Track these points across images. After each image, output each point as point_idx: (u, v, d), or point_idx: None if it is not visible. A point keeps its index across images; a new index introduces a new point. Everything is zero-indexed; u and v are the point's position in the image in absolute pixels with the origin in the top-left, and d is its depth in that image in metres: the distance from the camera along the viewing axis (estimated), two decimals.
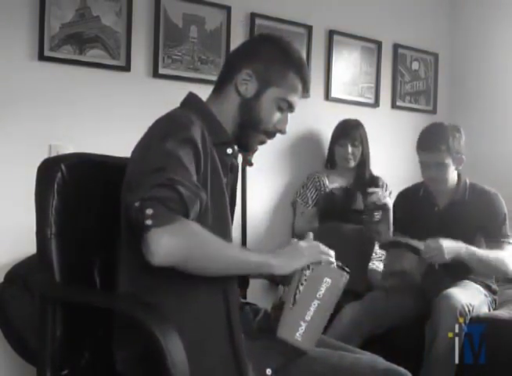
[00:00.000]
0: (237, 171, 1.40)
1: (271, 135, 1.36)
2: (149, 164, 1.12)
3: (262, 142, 1.37)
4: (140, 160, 1.16)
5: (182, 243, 1.07)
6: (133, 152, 1.24)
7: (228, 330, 1.18)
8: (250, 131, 1.34)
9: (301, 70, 1.34)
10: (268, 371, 1.20)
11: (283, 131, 1.36)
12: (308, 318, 1.19)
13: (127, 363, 1.22)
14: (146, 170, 1.10)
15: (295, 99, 1.34)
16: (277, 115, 1.34)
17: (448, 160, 2.26)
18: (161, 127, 1.21)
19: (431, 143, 2.25)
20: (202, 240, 1.11)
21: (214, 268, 1.14)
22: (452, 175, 2.32)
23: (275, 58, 1.32)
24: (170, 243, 1.05)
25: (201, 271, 1.13)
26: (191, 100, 1.35)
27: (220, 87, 1.34)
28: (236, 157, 1.36)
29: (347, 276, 1.21)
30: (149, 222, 1.03)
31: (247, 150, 1.38)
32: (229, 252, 1.16)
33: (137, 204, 1.05)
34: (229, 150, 1.31)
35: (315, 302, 1.19)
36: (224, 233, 1.21)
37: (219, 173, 1.25)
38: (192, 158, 1.15)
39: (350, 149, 2.80)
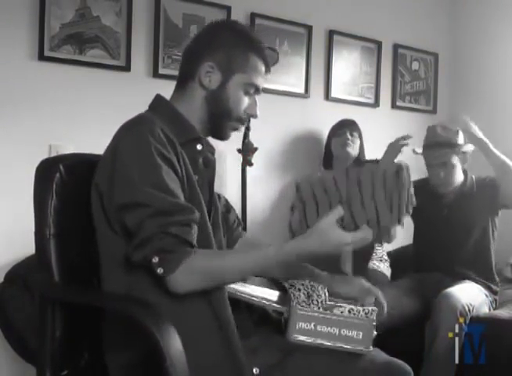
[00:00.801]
0: (213, 165, 1.37)
1: (243, 121, 1.36)
2: (135, 196, 1.14)
3: (236, 129, 1.37)
4: (124, 187, 1.16)
5: (195, 280, 1.14)
6: (105, 159, 1.23)
7: (220, 328, 1.18)
8: (222, 121, 1.33)
9: (261, 51, 1.33)
10: (256, 370, 1.20)
11: (254, 116, 1.35)
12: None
13: (121, 368, 1.21)
14: (136, 202, 1.13)
15: (260, 81, 1.33)
16: (245, 100, 1.33)
17: (455, 160, 2.27)
18: (129, 144, 1.19)
19: (437, 144, 2.26)
20: (212, 269, 1.16)
21: (237, 279, 1.24)
22: (459, 174, 2.33)
23: (235, 44, 1.31)
24: (185, 285, 1.13)
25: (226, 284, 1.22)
26: (157, 103, 1.35)
27: (182, 84, 1.33)
28: (211, 152, 1.36)
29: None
30: (159, 270, 1.11)
31: (223, 139, 1.37)
32: (244, 266, 1.19)
33: (138, 257, 1.13)
34: (199, 146, 1.31)
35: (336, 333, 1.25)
36: (205, 236, 1.22)
37: (190, 174, 1.25)
38: (171, 173, 1.18)
39: (349, 137, 2.79)
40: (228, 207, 1.52)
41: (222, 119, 1.33)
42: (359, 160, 2.84)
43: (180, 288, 1.13)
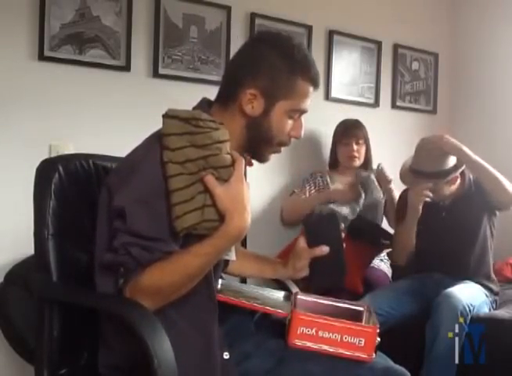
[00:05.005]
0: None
1: (286, 144, 1.30)
2: (127, 206, 1.11)
3: (276, 152, 1.31)
4: (125, 194, 1.13)
5: (144, 300, 1.11)
6: (124, 168, 1.21)
7: (204, 343, 1.17)
8: (262, 148, 1.27)
9: (308, 72, 1.23)
10: (225, 355, 1.20)
11: (298, 137, 1.29)
12: None
13: (110, 367, 1.21)
14: (124, 212, 1.11)
15: (307, 103, 1.26)
16: (289, 124, 1.25)
17: (442, 184, 2.26)
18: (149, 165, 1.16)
19: (424, 175, 2.24)
20: (157, 287, 1.12)
21: (187, 287, 1.14)
22: (451, 187, 2.32)
23: (280, 68, 1.20)
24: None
25: (178, 296, 1.14)
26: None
27: (224, 103, 1.25)
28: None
29: None
30: (120, 281, 1.14)
31: (262, 161, 1.31)
32: (188, 270, 1.13)
33: (106, 259, 1.14)
34: None
35: None
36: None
37: None
38: None
39: (355, 147, 2.78)
40: None
41: (263, 146, 1.27)
42: (366, 165, 2.84)
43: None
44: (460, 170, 2.26)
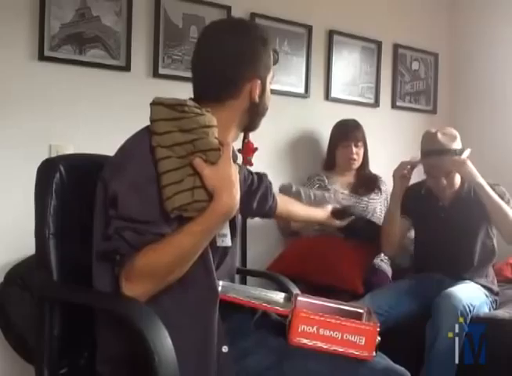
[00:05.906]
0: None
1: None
2: (119, 194, 1.14)
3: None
4: (118, 181, 1.16)
5: (139, 284, 1.13)
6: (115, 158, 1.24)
7: (203, 340, 1.18)
8: (259, 119, 1.38)
9: (271, 41, 1.35)
10: (224, 348, 1.21)
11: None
12: None
13: (110, 364, 1.21)
14: (116, 200, 1.14)
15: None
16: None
17: (453, 163, 2.27)
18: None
19: (439, 152, 2.26)
20: (152, 268, 1.13)
21: (182, 268, 1.16)
22: (458, 178, 2.34)
23: (259, 49, 1.31)
24: (130, 290, 1.13)
25: (174, 278, 1.16)
26: None
27: (217, 99, 1.29)
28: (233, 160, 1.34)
29: None
30: (116, 270, 1.14)
31: (255, 130, 1.41)
32: (181, 250, 1.14)
33: (100, 248, 1.17)
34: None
35: None
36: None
37: None
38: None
39: (354, 150, 2.77)
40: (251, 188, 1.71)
41: (260, 119, 1.38)
42: (363, 166, 2.84)
43: (128, 291, 1.13)
44: (467, 153, 2.27)
